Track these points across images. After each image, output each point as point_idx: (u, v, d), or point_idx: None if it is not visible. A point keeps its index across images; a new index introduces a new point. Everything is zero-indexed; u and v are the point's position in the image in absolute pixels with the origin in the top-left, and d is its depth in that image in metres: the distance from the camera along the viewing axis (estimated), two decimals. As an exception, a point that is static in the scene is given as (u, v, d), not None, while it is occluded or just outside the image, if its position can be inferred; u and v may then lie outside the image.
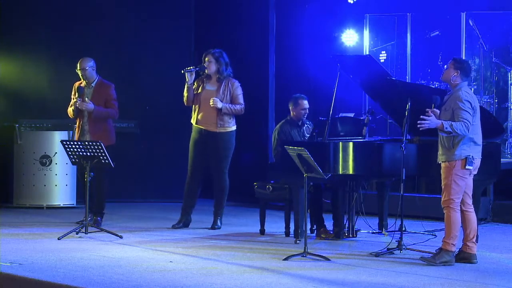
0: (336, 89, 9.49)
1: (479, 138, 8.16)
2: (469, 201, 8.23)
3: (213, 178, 10.58)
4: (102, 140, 9.74)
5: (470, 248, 8.22)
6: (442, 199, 8.16)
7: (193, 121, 10.54)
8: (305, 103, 10.10)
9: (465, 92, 8.12)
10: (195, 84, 10.50)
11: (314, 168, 8.32)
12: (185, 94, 10.48)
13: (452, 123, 7.98)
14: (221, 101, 10.34)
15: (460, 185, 8.09)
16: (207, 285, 6.99)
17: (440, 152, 8.23)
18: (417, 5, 12.68)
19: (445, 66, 8.34)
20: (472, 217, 8.23)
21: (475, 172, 8.23)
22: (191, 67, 10.45)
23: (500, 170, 9.48)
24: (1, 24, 13.11)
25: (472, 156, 8.07)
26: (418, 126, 8.05)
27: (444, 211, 8.15)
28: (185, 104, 10.55)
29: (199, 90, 10.48)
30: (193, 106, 10.52)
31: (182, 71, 10.42)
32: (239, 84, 10.53)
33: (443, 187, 8.17)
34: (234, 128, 10.51)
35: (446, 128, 7.96)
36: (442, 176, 8.18)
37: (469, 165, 8.05)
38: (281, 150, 9.38)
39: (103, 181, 10.53)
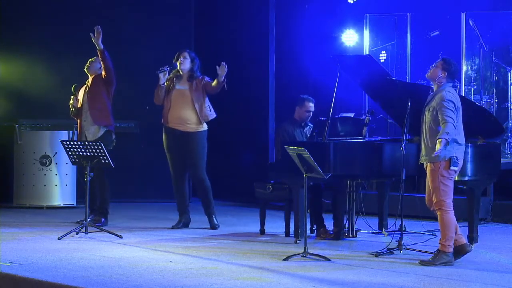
0: (336, 89, 9.49)
1: (462, 139, 8.15)
2: None
3: (192, 179, 10.57)
4: (98, 119, 10.36)
5: (459, 240, 8.22)
6: (434, 202, 8.16)
7: (163, 121, 10.54)
8: (310, 106, 10.11)
9: (448, 92, 8.11)
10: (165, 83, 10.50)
11: (314, 168, 8.32)
12: (157, 93, 10.44)
13: (443, 130, 7.93)
14: (199, 99, 10.34)
15: (448, 185, 8.08)
16: (207, 285, 6.99)
17: (423, 152, 8.21)
18: (417, 5, 12.68)
19: (433, 64, 8.30)
20: None
21: (458, 172, 8.22)
22: (165, 67, 10.44)
23: (500, 170, 9.48)
24: (1, 24, 13.12)
25: (457, 157, 8.06)
26: (434, 155, 7.98)
27: (437, 213, 8.15)
28: (156, 103, 10.55)
29: (169, 90, 10.46)
30: (164, 106, 10.51)
31: (157, 72, 10.41)
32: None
33: (431, 190, 8.16)
34: (206, 127, 10.50)
35: (448, 138, 7.91)
36: (429, 180, 8.16)
37: (453, 166, 8.04)
38: (281, 150, 9.38)
39: (105, 181, 10.58)
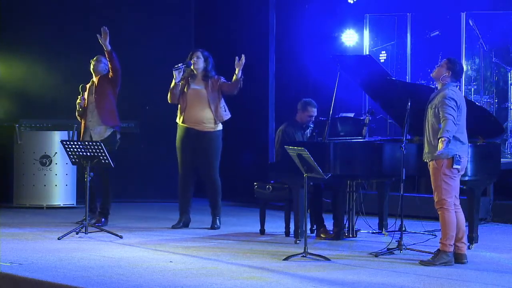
0: (336, 89, 9.49)
1: (465, 138, 8.16)
2: (457, 201, 8.21)
3: (204, 178, 10.57)
4: (106, 119, 10.36)
5: (460, 248, 8.20)
6: (435, 201, 8.16)
7: (179, 120, 10.54)
8: (313, 111, 10.10)
9: (451, 90, 8.14)
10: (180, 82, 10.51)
11: (314, 168, 8.32)
12: (172, 91, 10.43)
13: (443, 128, 7.94)
14: (215, 99, 10.35)
15: (450, 184, 8.08)
16: (207, 285, 6.99)
17: (426, 150, 8.23)
18: (417, 5, 12.68)
19: (438, 64, 8.35)
20: (460, 216, 8.21)
21: (463, 172, 8.22)
22: (180, 65, 10.44)
23: (500, 170, 9.48)
24: (1, 24, 13.12)
25: (459, 155, 8.06)
26: (438, 154, 7.98)
27: (438, 212, 8.14)
28: (170, 101, 10.52)
29: (185, 90, 10.47)
30: (179, 105, 10.51)
31: (172, 69, 10.41)
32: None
33: (433, 188, 8.16)
34: (221, 127, 10.51)
35: (449, 136, 7.92)
36: (432, 178, 8.16)
37: (456, 164, 8.04)
38: (281, 150, 9.37)
39: (108, 182, 10.57)
